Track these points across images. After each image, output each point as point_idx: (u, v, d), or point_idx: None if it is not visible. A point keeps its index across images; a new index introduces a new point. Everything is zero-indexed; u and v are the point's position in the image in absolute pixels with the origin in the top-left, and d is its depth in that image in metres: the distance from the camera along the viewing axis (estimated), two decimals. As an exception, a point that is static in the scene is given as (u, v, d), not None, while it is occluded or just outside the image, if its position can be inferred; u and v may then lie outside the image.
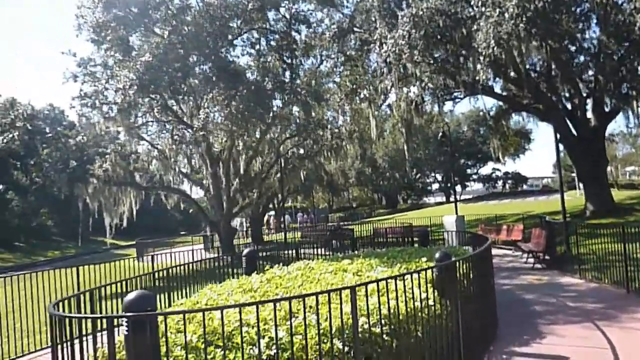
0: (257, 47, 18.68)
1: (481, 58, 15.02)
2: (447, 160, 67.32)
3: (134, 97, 14.98)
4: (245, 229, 41.05)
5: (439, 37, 17.03)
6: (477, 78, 16.39)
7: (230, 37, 16.34)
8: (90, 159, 18.03)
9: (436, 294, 5.74)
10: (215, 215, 19.95)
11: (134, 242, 39.47)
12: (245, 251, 8.40)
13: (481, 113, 55.73)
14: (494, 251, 19.29)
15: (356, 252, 15.84)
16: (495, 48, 14.20)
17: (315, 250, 16.93)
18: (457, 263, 5.80)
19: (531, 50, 17.04)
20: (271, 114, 17.75)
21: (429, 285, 5.62)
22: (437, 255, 6.37)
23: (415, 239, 16.23)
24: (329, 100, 25.26)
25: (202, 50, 15.01)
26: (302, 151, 32.07)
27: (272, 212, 50.48)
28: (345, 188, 72.95)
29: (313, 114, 18.17)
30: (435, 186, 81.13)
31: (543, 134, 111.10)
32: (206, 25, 15.25)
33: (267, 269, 7.71)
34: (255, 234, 32.25)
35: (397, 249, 9.97)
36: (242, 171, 20.90)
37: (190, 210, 26.47)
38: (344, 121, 25.74)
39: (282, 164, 26.67)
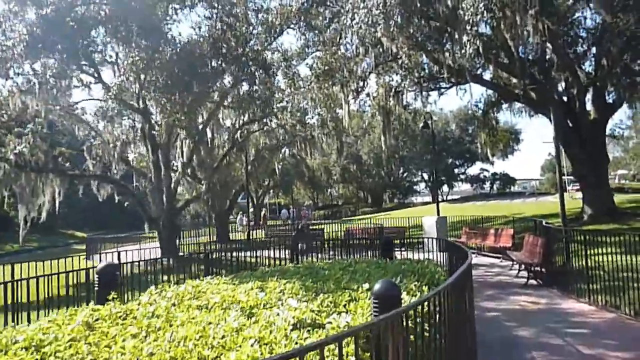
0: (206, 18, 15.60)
1: (468, 27, 12.35)
2: (434, 159, 64.94)
3: (19, 58, 11.96)
4: (245, 225, 37.89)
5: (419, 5, 14.32)
6: (463, 52, 13.69)
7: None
8: (2, 140, 15.11)
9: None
10: (155, 211, 17.18)
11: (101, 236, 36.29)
12: (100, 266, 5.60)
13: (469, 111, 53.14)
14: (479, 260, 16.74)
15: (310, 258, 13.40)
16: (485, 13, 11.56)
17: (275, 253, 14.35)
18: (403, 315, 3.13)
19: (526, 24, 14.41)
20: (215, 92, 14.86)
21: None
22: (376, 287, 3.71)
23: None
24: (301, 86, 22.58)
25: (123, 5, 12.10)
26: (274, 141, 29.41)
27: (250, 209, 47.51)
28: (329, 185, 70.16)
29: (260, 88, 15.28)
30: (422, 185, 78.87)
31: (532, 135, 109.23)
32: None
33: (115, 301, 4.96)
34: (221, 231, 29.37)
35: (344, 264, 7.28)
36: (185, 159, 18.03)
37: (126, 204, 23.60)
38: (314, 107, 23.00)
39: (247, 154, 23.90)
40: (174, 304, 4.86)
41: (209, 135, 25.09)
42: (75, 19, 11.77)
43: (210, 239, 25.99)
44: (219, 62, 13.93)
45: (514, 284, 11.05)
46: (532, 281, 10.96)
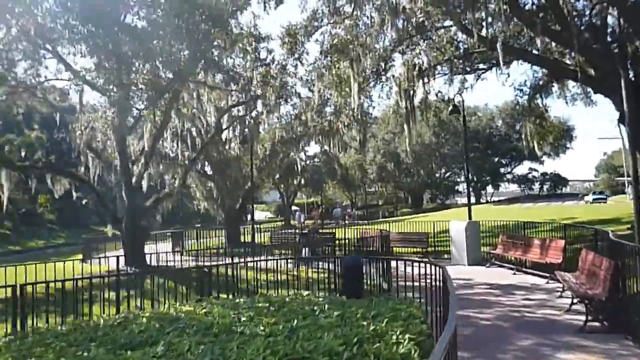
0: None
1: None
2: (477, 157, 60.27)
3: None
4: (302, 222, 35.54)
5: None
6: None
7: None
8: None
9: None
10: (120, 210, 14.40)
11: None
12: None
13: (515, 102, 48.29)
14: (519, 279, 12.91)
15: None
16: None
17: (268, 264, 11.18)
18: None
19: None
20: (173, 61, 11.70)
21: None
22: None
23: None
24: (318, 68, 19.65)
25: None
26: (290, 134, 26.43)
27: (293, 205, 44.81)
28: (363, 184, 66.34)
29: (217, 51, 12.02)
30: (465, 185, 74.17)
31: (585, 132, 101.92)
32: None
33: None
34: (232, 233, 26.55)
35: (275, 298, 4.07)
36: (146, 147, 15.07)
37: (85, 202, 20.92)
38: (323, 91, 19.89)
39: (252, 145, 20.97)
40: None
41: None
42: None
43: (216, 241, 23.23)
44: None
45: (564, 325, 7.50)
46: (594, 322, 7.39)
